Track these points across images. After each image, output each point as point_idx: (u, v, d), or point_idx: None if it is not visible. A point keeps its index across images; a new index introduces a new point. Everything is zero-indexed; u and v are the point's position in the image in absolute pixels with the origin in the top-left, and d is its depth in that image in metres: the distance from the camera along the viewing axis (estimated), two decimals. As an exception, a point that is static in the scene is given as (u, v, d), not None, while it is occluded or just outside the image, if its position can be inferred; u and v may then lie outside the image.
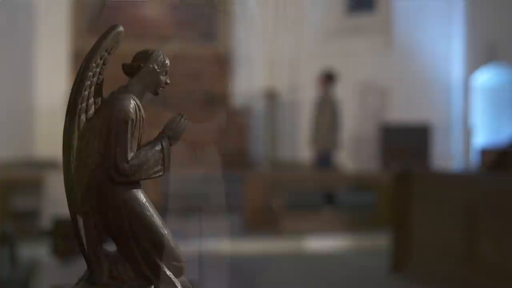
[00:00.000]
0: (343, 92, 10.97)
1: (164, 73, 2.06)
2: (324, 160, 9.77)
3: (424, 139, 9.39)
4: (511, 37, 9.21)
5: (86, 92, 1.98)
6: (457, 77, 10.15)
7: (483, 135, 9.84)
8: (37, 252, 5.63)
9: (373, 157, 10.39)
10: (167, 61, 2.07)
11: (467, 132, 10.00)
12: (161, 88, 2.07)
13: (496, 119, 9.84)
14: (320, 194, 9.03)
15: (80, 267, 2.16)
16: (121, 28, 2.01)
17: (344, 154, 10.91)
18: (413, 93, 10.34)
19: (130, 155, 1.95)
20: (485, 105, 9.94)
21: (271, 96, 10.87)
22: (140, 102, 2.02)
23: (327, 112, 9.65)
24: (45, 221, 3.94)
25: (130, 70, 2.04)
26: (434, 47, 10.24)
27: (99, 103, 2.01)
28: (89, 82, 1.98)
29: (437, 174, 6.19)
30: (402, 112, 10.25)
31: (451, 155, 10.14)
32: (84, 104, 1.97)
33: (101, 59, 2.00)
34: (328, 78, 9.89)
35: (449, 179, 5.76)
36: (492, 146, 8.35)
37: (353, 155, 10.80)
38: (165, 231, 2.02)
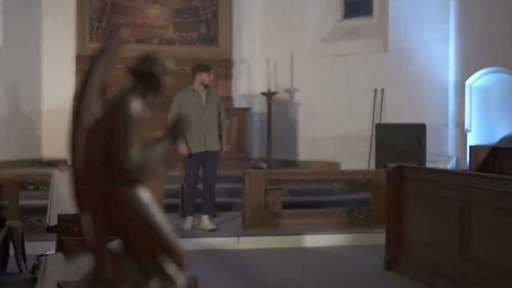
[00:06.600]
0: (340, 93, 11.02)
1: (166, 75, 2.11)
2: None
3: (419, 140, 9.40)
4: (503, 40, 9.23)
5: (91, 94, 2.04)
6: (452, 79, 10.18)
7: (477, 136, 9.88)
8: (44, 248, 5.67)
9: (369, 156, 10.40)
10: (169, 64, 2.12)
11: (461, 133, 10.03)
12: (163, 90, 2.12)
13: (490, 120, 9.88)
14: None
15: (85, 263, 2.20)
16: (125, 32, 2.07)
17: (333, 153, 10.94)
18: (408, 95, 10.36)
19: (134, 154, 2.01)
20: (479, 106, 9.97)
21: (270, 97, 10.90)
22: (143, 103, 2.08)
23: (219, 108, 7.84)
24: (52, 219, 3.98)
25: (134, 72, 2.10)
26: (429, 49, 10.26)
27: (104, 104, 2.07)
28: (94, 84, 2.04)
29: (429, 172, 6.19)
30: (397, 113, 10.28)
31: (446, 155, 10.16)
32: (89, 106, 2.03)
33: (105, 61, 2.05)
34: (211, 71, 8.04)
35: (441, 176, 5.77)
36: (481, 146, 8.43)
37: (350, 155, 10.81)
38: (167, 229, 2.07)
